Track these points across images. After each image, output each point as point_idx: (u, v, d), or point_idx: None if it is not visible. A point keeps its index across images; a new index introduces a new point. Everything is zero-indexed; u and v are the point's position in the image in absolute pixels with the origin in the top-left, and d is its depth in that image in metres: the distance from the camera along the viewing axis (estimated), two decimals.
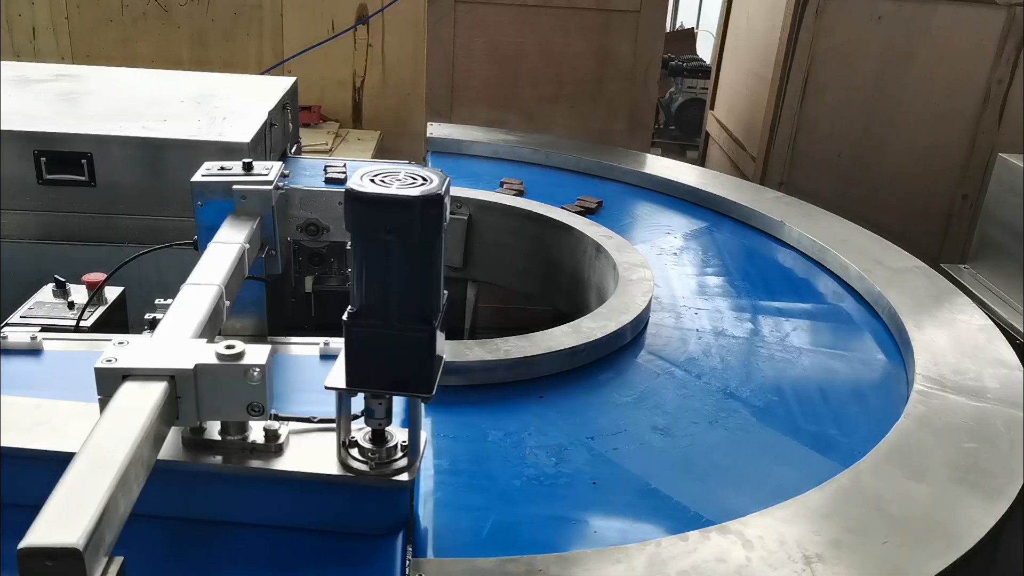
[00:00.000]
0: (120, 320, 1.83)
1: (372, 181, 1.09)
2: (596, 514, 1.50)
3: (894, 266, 2.52)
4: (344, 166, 2.40)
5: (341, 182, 2.24)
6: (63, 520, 0.84)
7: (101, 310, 1.78)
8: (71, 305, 1.78)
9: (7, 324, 1.71)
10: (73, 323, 1.72)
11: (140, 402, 1.05)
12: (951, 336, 2.12)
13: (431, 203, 1.07)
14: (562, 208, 2.87)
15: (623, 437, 1.70)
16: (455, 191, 2.87)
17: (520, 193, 3.03)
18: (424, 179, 1.10)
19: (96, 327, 1.74)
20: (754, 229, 2.94)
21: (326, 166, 2.40)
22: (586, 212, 2.88)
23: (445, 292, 1.19)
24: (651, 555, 1.29)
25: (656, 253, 2.67)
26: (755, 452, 1.71)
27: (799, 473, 1.60)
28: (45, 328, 1.67)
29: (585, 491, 1.53)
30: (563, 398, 1.84)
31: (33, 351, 1.58)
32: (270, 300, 1.81)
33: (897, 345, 2.17)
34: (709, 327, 2.20)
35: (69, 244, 2.13)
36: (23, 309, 1.77)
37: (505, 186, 3.04)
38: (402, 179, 1.10)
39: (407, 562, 1.23)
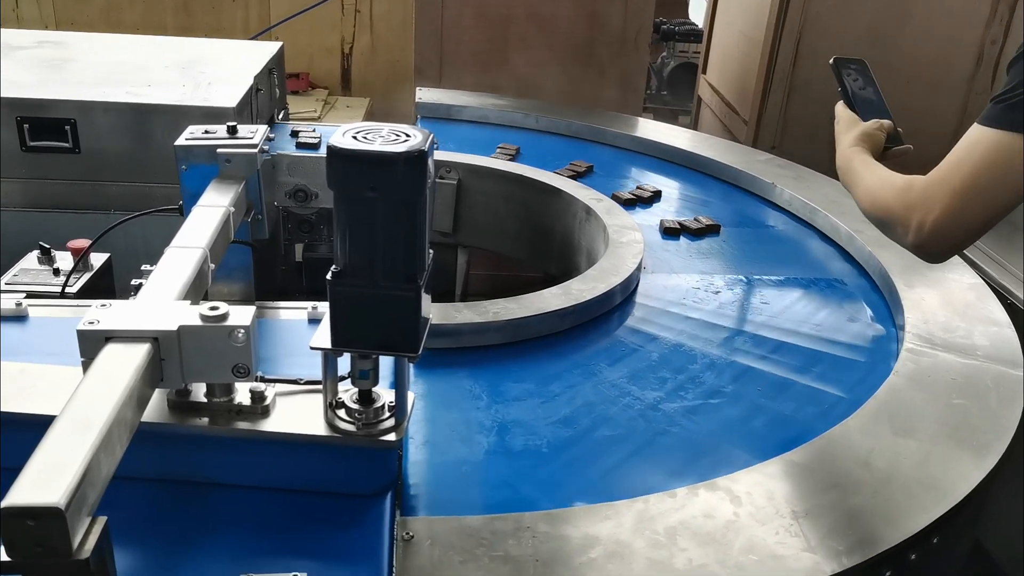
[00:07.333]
0: (106, 287, 1.82)
1: (354, 138, 1.07)
2: None
3: None
4: (314, 130, 2.42)
5: (314, 146, 2.27)
6: (44, 480, 0.83)
7: (87, 277, 1.77)
8: (56, 272, 1.78)
9: None
10: (58, 290, 1.71)
11: (123, 364, 1.04)
12: (941, 295, 2.12)
13: (414, 160, 1.06)
14: (555, 172, 2.81)
15: None
16: (445, 155, 2.84)
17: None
18: (408, 136, 1.09)
19: (82, 294, 1.73)
20: (745, 191, 2.93)
21: (295, 131, 2.42)
22: (576, 176, 2.85)
23: (431, 251, 1.18)
24: (639, 511, 1.30)
25: (645, 216, 2.65)
26: None
27: None
28: (30, 295, 1.67)
29: None
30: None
31: (18, 317, 1.57)
32: (258, 267, 1.80)
33: (887, 304, 2.17)
34: (667, 313, 2.07)
35: (54, 211, 2.12)
36: (8, 276, 1.77)
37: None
38: (385, 136, 1.08)
39: (396, 522, 1.23)
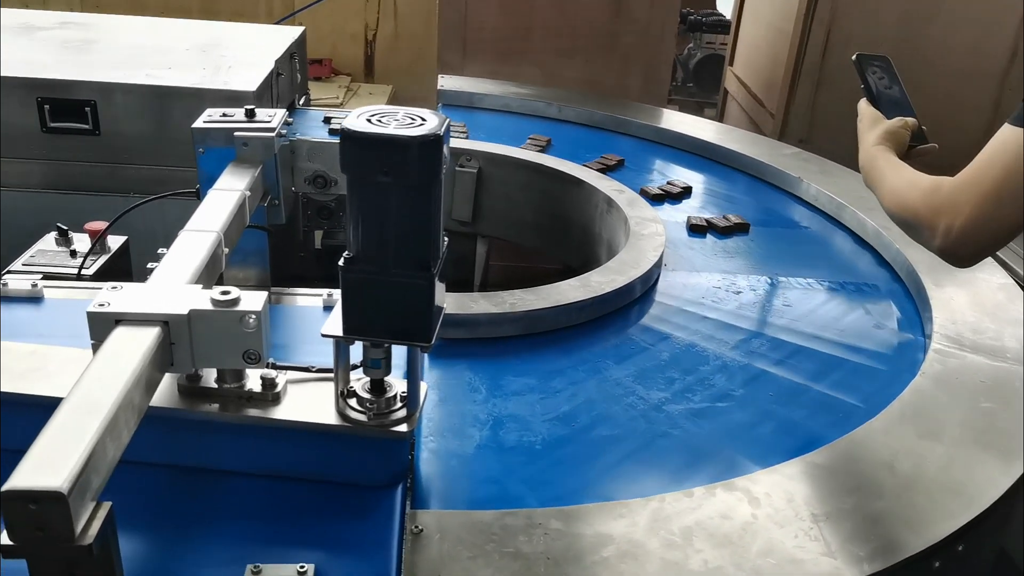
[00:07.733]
0: (124, 269, 1.81)
1: (369, 121, 1.05)
2: None
3: None
4: (347, 117, 2.39)
5: None
6: (48, 464, 0.82)
7: (104, 259, 1.76)
8: (73, 253, 1.77)
9: (8, 272, 1.70)
10: (75, 272, 1.70)
11: (132, 347, 1.02)
12: (971, 295, 2.07)
13: (429, 144, 1.03)
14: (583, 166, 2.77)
15: None
16: (465, 144, 2.82)
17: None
18: (423, 120, 1.06)
19: (99, 276, 1.72)
20: (771, 185, 2.88)
21: (328, 117, 2.41)
22: (606, 169, 2.80)
23: (446, 239, 1.15)
24: (654, 510, 1.27)
25: (667, 209, 2.62)
26: None
27: None
28: (47, 276, 1.66)
29: None
30: None
31: (34, 298, 1.56)
32: (277, 253, 1.78)
33: (917, 311, 2.12)
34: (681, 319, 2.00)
35: (73, 193, 2.11)
36: (25, 257, 1.76)
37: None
38: (400, 119, 1.06)
39: (406, 514, 1.21)
